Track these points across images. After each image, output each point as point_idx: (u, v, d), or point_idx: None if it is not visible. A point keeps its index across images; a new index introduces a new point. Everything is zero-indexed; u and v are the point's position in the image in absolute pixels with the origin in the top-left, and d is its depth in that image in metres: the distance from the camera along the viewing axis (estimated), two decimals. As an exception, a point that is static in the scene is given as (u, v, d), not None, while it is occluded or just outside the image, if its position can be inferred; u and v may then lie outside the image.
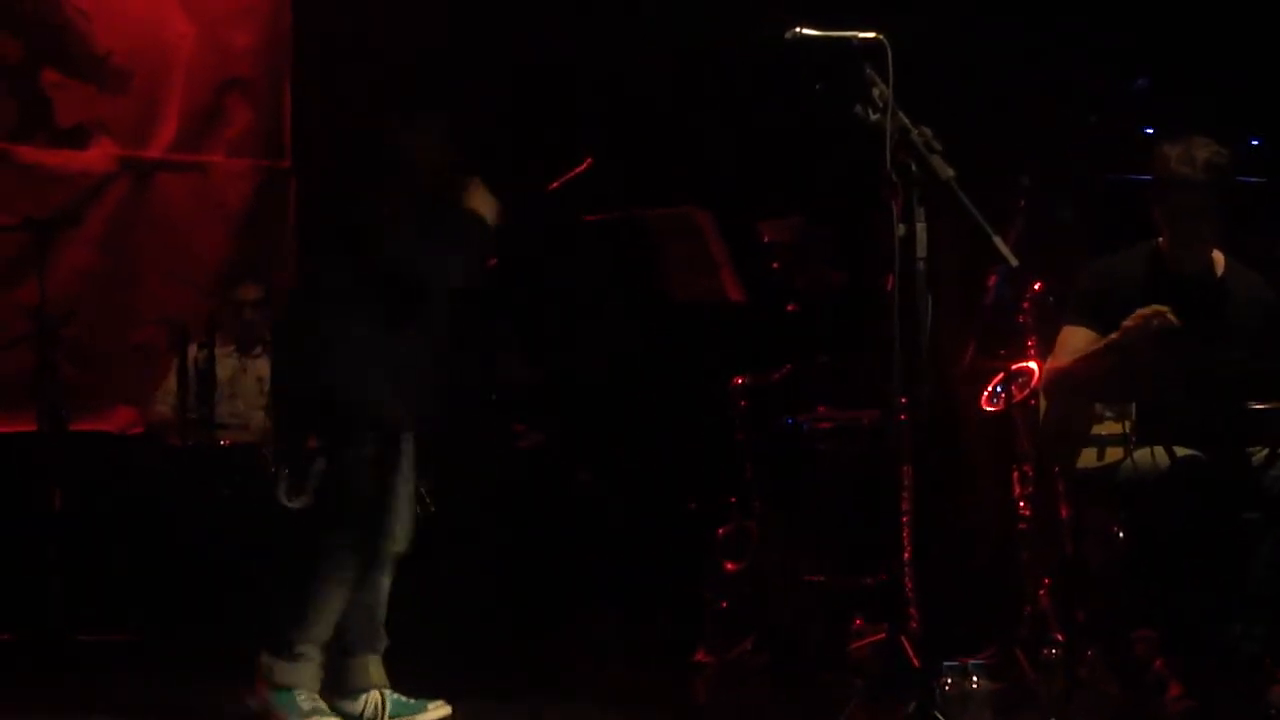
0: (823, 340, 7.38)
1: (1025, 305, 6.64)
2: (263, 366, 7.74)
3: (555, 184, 7.33)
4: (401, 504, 5.71)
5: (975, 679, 5.89)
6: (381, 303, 5.60)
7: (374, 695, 5.73)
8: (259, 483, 7.05)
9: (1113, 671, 6.01)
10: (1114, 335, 5.60)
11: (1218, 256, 5.89)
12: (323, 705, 5.66)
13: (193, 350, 7.63)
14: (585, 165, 7.30)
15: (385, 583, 5.81)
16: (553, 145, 7.83)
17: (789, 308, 7.40)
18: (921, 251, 4.87)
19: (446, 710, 5.76)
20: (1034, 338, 6.56)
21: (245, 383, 7.89)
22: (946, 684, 5.80)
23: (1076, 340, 5.87)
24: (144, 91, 8.58)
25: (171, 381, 7.74)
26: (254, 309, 7.93)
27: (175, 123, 8.63)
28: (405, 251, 5.57)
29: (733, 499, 7.37)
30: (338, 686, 5.74)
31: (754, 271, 7.43)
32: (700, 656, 7.05)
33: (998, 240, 4.87)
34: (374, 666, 5.79)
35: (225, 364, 7.78)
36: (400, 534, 5.74)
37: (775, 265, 7.36)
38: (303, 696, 5.62)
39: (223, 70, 8.73)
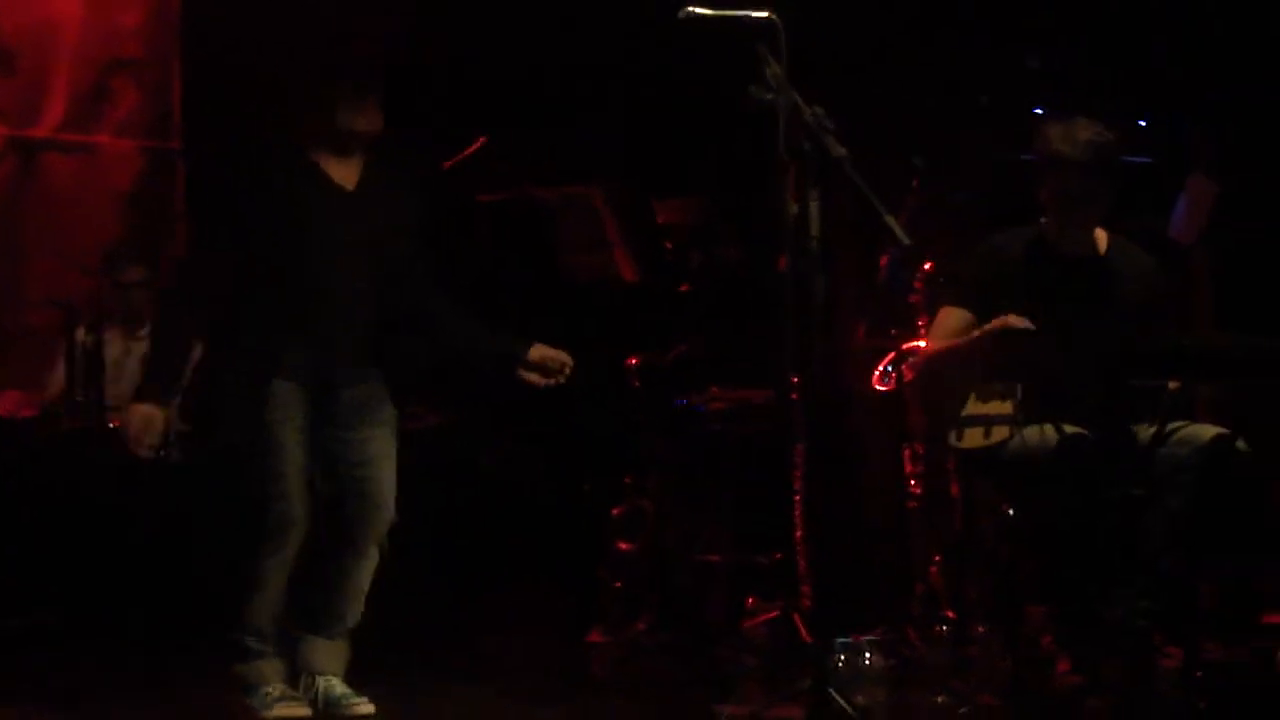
0: (717, 320, 7.41)
1: (917, 285, 6.69)
2: (146, 348, 7.66)
3: (449, 163, 7.31)
4: (289, 464, 5.52)
5: (868, 655, 5.93)
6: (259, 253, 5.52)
7: (313, 680, 5.60)
8: (148, 462, 7.02)
9: (1003, 647, 6.07)
10: (974, 334, 5.65)
11: (1101, 235, 5.94)
12: (290, 692, 5.53)
13: (80, 332, 7.55)
14: (479, 144, 7.29)
15: (353, 564, 5.63)
16: (448, 124, 7.80)
17: (683, 288, 7.43)
18: (814, 231, 4.90)
19: (369, 709, 5.65)
20: (925, 317, 6.62)
21: (130, 364, 7.82)
22: (840, 660, 5.85)
23: (952, 322, 5.89)
24: (30, 71, 8.47)
25: (61, 364, 7.66)
26: (139, 290, 7.87)
27: (63, 103, 8.53)
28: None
29: (628, 479, 7.39)
30: (293, 665, 5.62)
31: (648, 251, 7.44)
32: (596, 635, 7.07)
33: (891, 220, 4.90)
34: (320, 650, 5.62)
35: (112, 346, 7.71)
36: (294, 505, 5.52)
37: (669, 245, 7.38)
38: (267, 691, 5.50)
39: (110, 50, 8.63)
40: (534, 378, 5.74)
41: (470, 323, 5.78)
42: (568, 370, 5.77)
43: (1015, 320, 5.46)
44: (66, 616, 7.07)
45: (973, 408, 5.77)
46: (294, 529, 5.49)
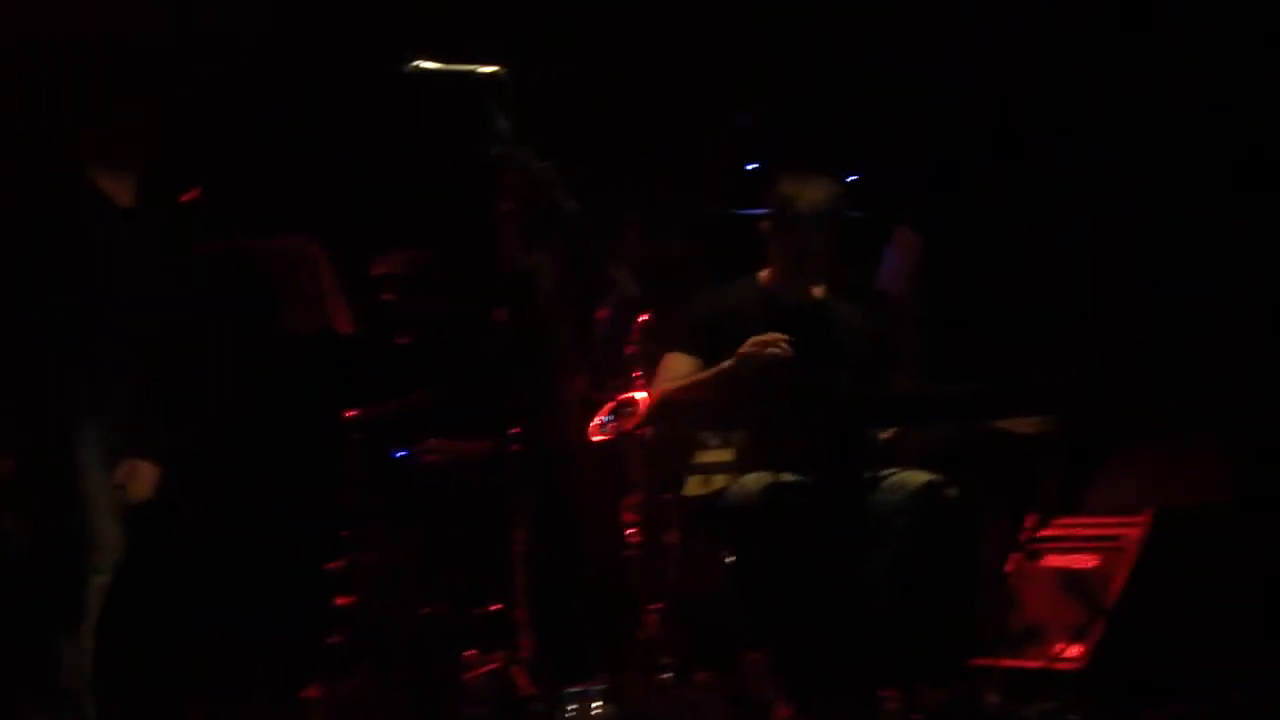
0: (435, 372, 7.39)
1: (634, 336, 6.76)
2: None
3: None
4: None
5: (597, 705, 5.96)
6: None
7: None
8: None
9: (723, 694, 6.14)
10: (727, 363, 5.73)
11: (818, 288, 6.08)
12: None
13: None
14: (193, 194, 7.18)
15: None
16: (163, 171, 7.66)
17: (400, 340, 7.40)
18: (545, 284, 4.94)
19: None
20: (641, 368, 6.69)
21: None
22: (570, 711, 5.86)
23: (678, 367, 5.99)
24: None
25: None
26: None
27: None
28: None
29: (345, 533, 7.32)
30: None
31: (364, 304, 7.40)
32: (314, 691, 6.98)
33: (620, 272, 4.96)
34: None
35: None
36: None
37: (386, 297, 7.35)
38: None
39: None
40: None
41: None
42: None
43: (768, 337, 5.56)
44: None
45: (695, 456, 5.87)
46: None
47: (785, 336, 5.62)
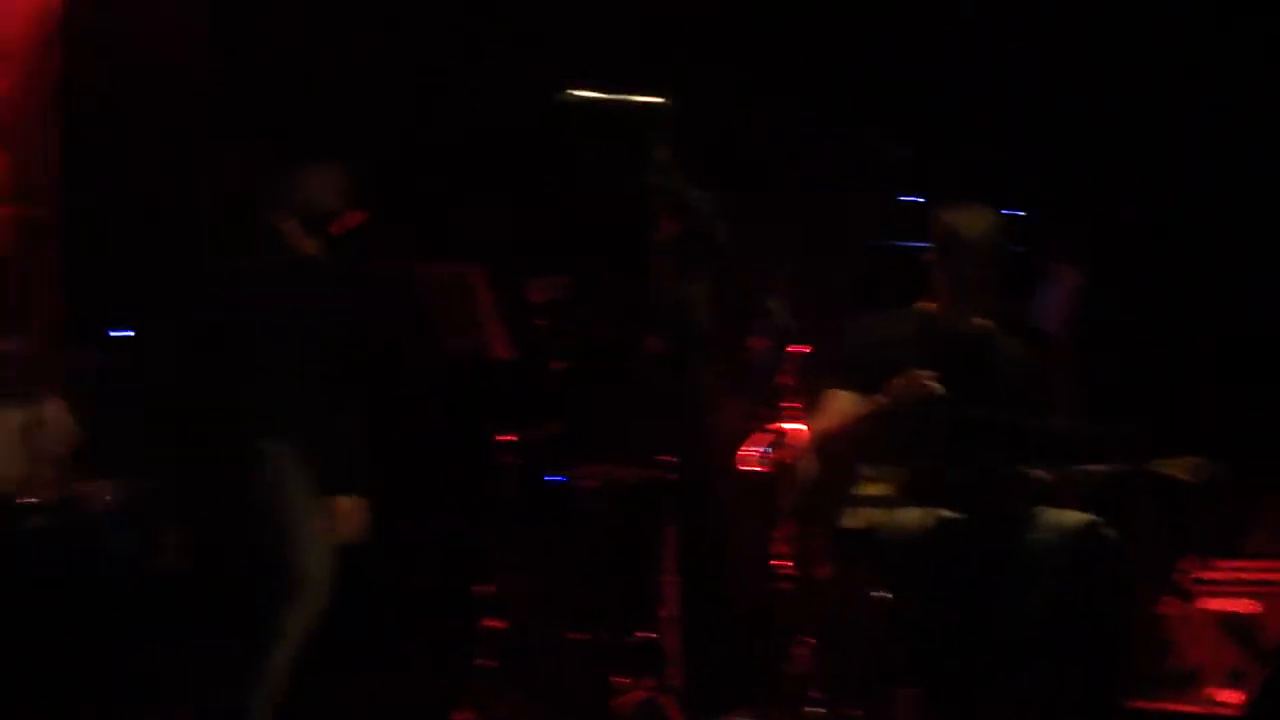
0: (589, 399, 7.42)
1: (790, 367, 6.74)
2: (14, 418, 7.54)
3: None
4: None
5: (745, 735, 5.95)
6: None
7: None
8: (8, 532, 6.93)
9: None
10: (881, 397, 5.70)
11: (981, 321, 6.04)
12: None
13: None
14: (357, 219, 7.27)
15: None
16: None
17: (556, 366, 7.44)
18: (696, 314, 4.95)
19: None
20: (799, 400, 6.66)
21: (-1, 437, 7.71)
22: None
23: (840, 403, 5.97)
24: (-101, 136, 8.36)
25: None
26: (7, 363, 7.75)
27: (-70, 168, 8.42)
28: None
29: (497, 556, 7.36)
30: None
31: (522, 330, 7.45)
32: (463, 715, 7.02)
33: (772, 303, 4.95)
34: None
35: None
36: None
37: (542, 323, 7.39)
38: None
39: (-23, 116, 8.54)
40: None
41: None
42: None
43: (923, 375, 5.53)
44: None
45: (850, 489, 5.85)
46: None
47: (936, 374, 5.58)
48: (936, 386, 5.56)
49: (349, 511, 5.78)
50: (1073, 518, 5.71)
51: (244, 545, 5.61)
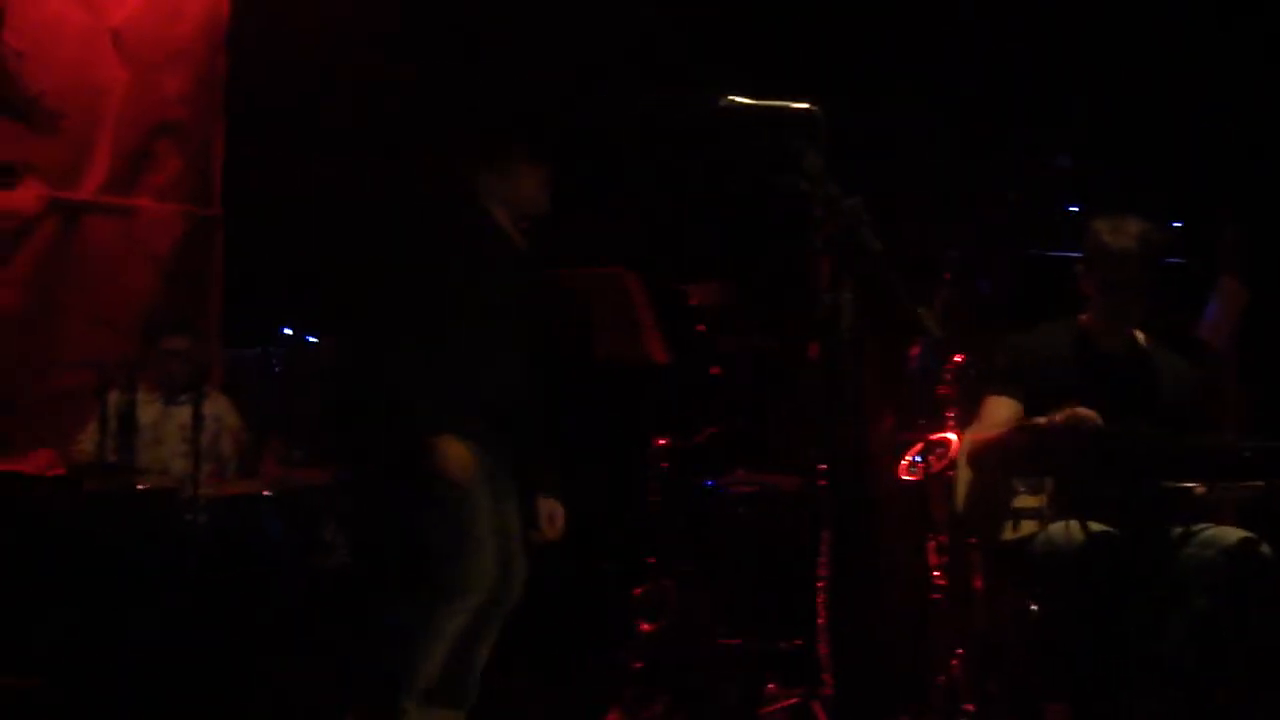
0: (745, 404, 7.43)
1: (947, 377, 6.71)
2: (187, 413, 7.68)
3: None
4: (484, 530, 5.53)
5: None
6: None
7: None
8: (176, 527, 7.05)
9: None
10: (1040, 420, 5.64)
11: (1139, 335, 5.97)
12: None
13: (114, 395, 7.58)
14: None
15: (491, 631, 5.67)
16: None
17: (713, 371, 7.45)
18: (847, 322, 4.93)
19: None
20: (954, 409, 6.63)
21: (168, 429, 7.85)
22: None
23: (1001, 411, 5.91)
24: (75, 133, 8.53)
25: (93, 425, 7.70)
26: (180, 360, 7.90)
27: (105, 165, 8.58)
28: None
29: (651, 559, 7.40)
30: None
31: (679, 334, 7.48)
32: (614, 717, 7.05)
33: (923, 311, 4.93)
34: None
35: (147, 410, 7.73)
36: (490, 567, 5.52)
37: (701, 328, 7.42)
38: None
39: (154, 114, 8.69)
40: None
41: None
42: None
43: (1085, 412, 5.48)
44: (73, 680, 7.05)
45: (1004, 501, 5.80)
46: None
47: (1094, 407, 5.51)
48: (1095, 418, 5.49)
49: (552, 512, 5.82)
50: (1230, 535, 5.62)
51: (407, 544, 5.62)
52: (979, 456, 5.95)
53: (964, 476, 6.09)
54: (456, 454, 5.39)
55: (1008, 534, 5.93)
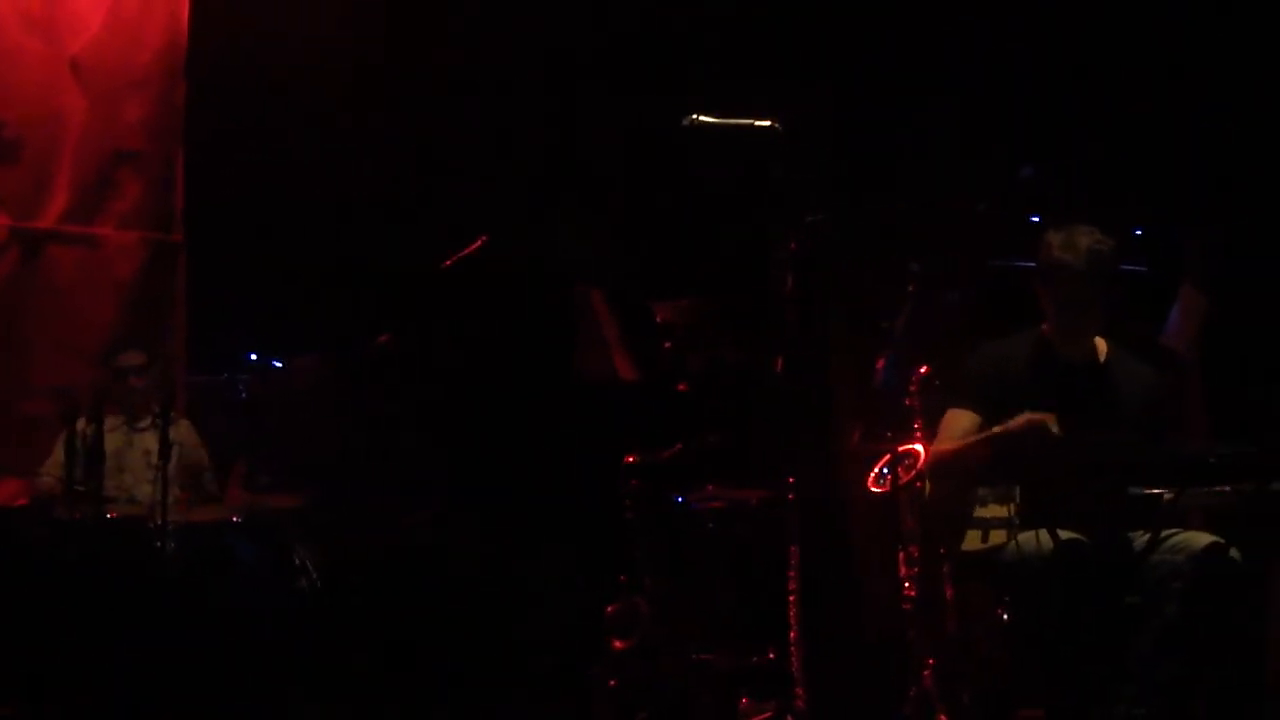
0: (713, 420, 7.44)
1: (912, 388, 6.73)
2: (150, 440, 7.67)
3: (449, 262, 7.35)
4: None
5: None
6: None
7: None
8: (145, 555, 7.03)
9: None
10: (996, 430, 5.68)
11: (1100, 343, 6.00)
12: None
13: (80, 423, 7.54)
14: (479, 244, 7.34)
15: None
16: (447, 223, 7.87)
17: (680, 387, 7.46)
18: (813, 334, 4.96)
19: None
20: (920, 420, 6.65)
21: (131, 456, 7.83)
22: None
23: (961, 423, 5.94)
24: (35, 162, 8.51)
25: (59, 453, 7.67)
26: (137, 375, 7.88)
27: (66, 194, 8.56)
28: None
29: (622, 577, 7.40)
30: None
31: (646, 351, 7.48)
32: (588, 734, 7.07)
33: (892, 323, 4.95)
34: None
35: (112, 437, 7.70)
36: None
37: (667, 345, 7.42)
38: None
39: (114, 142, 8.67)
40: None
41: None
42: None
43: (1039, 417, 5.51)
44: (40, 709, 7.01)
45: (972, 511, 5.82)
46: None
47: (1051, 413, 5.54)
48: (1053, 427, 5.53)
49: None
50: (1199, 540, 5.65)
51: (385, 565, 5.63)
52: (939, 467, 5.98)
53: (929, 488, 6.12)
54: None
55: (977, 543, 5.96)
